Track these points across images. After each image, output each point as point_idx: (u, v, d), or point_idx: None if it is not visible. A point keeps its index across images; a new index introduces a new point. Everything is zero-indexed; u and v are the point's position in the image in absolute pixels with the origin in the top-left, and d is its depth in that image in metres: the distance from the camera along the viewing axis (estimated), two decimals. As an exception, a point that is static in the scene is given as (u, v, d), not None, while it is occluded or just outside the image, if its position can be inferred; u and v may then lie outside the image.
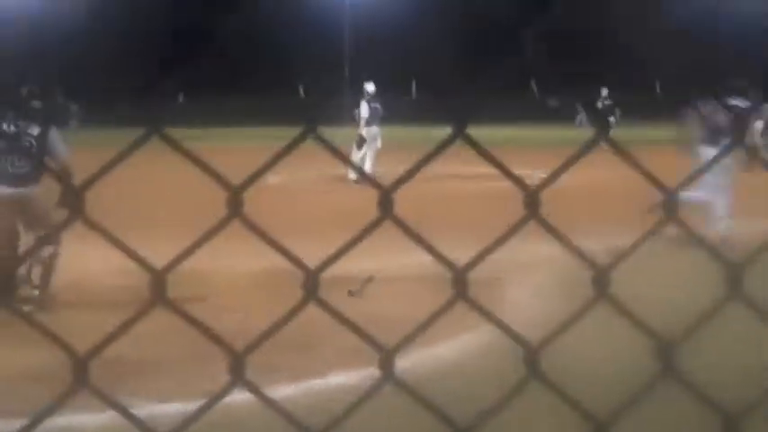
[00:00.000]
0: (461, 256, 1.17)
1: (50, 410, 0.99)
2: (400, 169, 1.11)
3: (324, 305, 1.04)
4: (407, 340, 1.10)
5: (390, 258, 10.20)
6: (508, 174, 1.11)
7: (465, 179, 22.08)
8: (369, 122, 20.43)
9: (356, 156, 19.75)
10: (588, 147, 1.11)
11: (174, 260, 1.00)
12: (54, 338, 1.02)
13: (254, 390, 1.04)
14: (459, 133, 1.02)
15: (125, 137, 1.16)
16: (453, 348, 7.18)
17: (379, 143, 20.63)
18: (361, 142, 20.33)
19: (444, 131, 1.01)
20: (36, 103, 9.08)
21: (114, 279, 9.01)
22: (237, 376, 1.04)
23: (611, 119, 23.23)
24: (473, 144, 1.10)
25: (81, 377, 0.98)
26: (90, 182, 0.94)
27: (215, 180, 1.03)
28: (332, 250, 1.13)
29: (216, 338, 1.04)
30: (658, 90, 64.47)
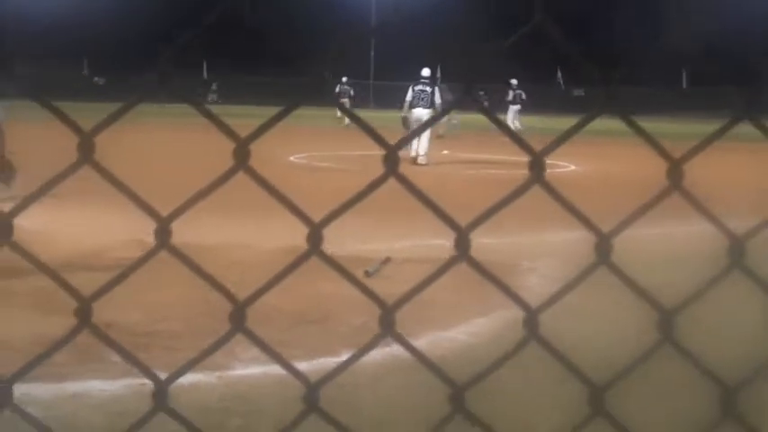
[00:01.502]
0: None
1: (56, 349, 1.01)
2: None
3: (326, 258, 1.05)
4: (406, 299, 1.11)
5: (408, 241, 10.22)
6: (514, 136, 1.12)
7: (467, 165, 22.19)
8: (412, 105, 21.88)
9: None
10: (593, 114, 1.12)
11: (178, 208, 1.01)
12: (62, 282, 1.04)
13: (254, 338, 1.05)
14: (468, 93, 1.03)
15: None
16: (466, 332, 7.20)
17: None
18: (405, 122, 21.61)
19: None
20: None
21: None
22: (238, 325, 1.05)
23: (518, 106, 25.03)
24: (481, 108, 1.11)
25: (85, 318, 0.99)
26: (100, 127, 0.95)
27: (223, 131, 1.04)
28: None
29: (218, 285, 1.05)
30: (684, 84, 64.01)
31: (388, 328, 1.06)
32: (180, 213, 1.01)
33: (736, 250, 1.12)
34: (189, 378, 6.00)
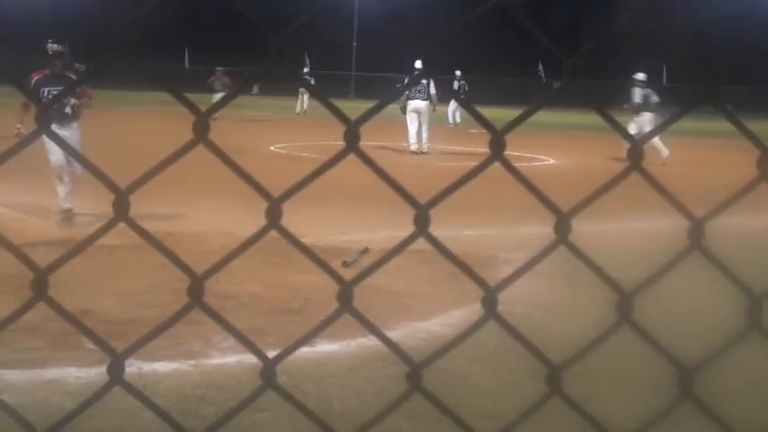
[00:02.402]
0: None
1: (12, 320, 1.00)
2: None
3: (284, 233, 1.05)
4: (365, 275, 1.11)
5: (386, 231, 10.23)
6: (479, 117, 1.12)
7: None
8: (410, 97, 22.57)
9: (411, 128, 22.83)
10: (555, 93, 1.12)
11: (135, 181, 1.01)
12: (19, 254, 1.03)
13: (211, 312, 1.05)
14: (424, 72, 1.03)
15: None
16: (443, 323, 7.20)
17: (424, 116, 23.05)
18: (403, 110, 22.89)
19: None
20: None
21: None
22: (195, 299, 1.05)
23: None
24: (456, 97, 1.11)
25: (41, 290, 0.99)
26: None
27: (185, 105, 1.04)
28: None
29: (176, 259, 1.05)
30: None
31: (345, 303, 1.06)
32: (138, 186, 1.01)
33: (696, 232, 1.13)
34: (166, 366, 5.99)
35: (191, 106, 1.00)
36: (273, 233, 1.08)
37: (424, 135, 23.13)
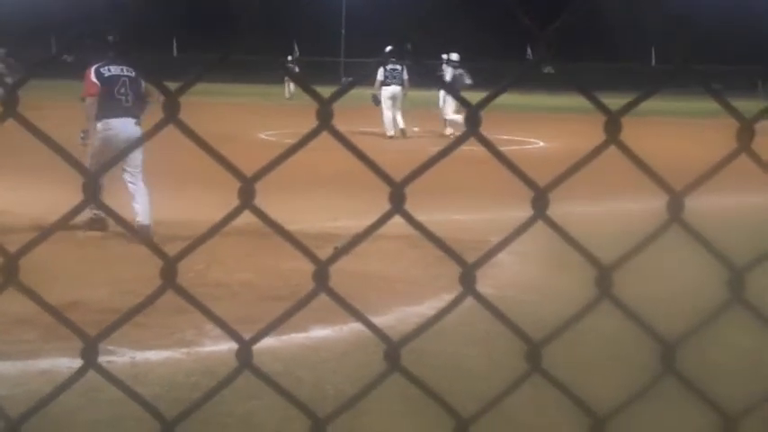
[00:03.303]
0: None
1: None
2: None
3: (259, 213, 1.03)
4: (342, 252, 1.10)
5: (376, 218, 10.20)
6: (454, 94, 1.11)
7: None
8: (385, 83, 23.15)
9: (387, 115, 23.23)
10: (525, 71, 1.11)
11: (106, 165, 1.00)
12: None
13: (185, 295, 1.04)
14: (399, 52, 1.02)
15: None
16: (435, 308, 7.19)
17: (399, 101, 23.50)
18: (375, 100, 23.36)
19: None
20: None
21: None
22: (168, 281, 1.04)
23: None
24: (440, 80, 1.10)
25: (11, 275, 0.98)
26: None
27: (155, 86, 1.03)
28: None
29: (148, 242, 1.04)
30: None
31: (320, 283, 1.05)
32: (108, 168, 1.00)
33: (675, 206, 1.12)
34: (158, 355, 5.99)
35: (161, 88, 0.99)
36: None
37: (400, 119, 23.50)
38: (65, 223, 1.00)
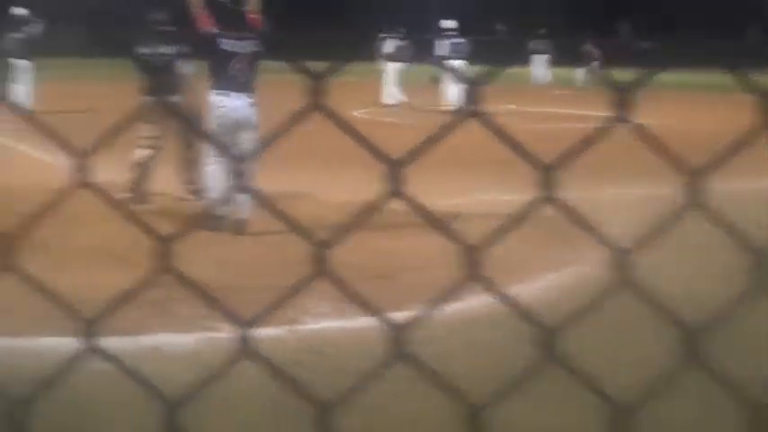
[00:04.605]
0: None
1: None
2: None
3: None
4: (342, 234, 1.08)
5: (475, 195, 10.12)
6: (453, 71, 1.07)
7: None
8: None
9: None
10: (508, 64, 1.06)
11: (96, 143, 1.00)
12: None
13: (180, 276, 1.04)
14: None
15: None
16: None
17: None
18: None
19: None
20: None
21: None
22: (163, 264, 1.04)
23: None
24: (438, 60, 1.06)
25: (8, 259, 0.99)
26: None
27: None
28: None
29: (139, 222, 1.04)
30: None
31: (319, 265, 1.03)
32: (96, 149, 1.00)
33: (691, 190, 1.06)
34: (260, 332, 6.00)
35: (141, 66, 0.99)
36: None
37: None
38: (57, 203, 1.01)
